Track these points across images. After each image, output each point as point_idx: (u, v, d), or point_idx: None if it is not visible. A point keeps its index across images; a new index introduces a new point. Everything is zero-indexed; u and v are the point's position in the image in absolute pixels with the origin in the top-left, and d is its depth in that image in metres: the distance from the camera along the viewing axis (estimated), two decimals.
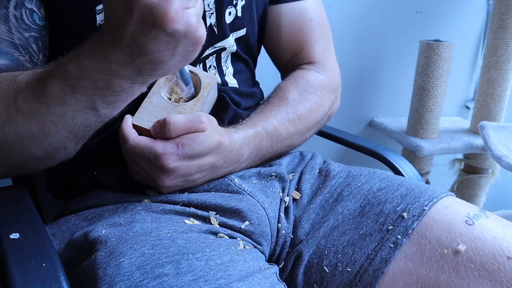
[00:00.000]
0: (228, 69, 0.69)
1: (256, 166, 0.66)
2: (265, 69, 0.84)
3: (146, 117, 0.56)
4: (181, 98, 0.61)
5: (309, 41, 0.75)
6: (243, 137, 0.61)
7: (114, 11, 0.41)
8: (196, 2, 0.42)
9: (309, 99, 0.71)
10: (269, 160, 0.68)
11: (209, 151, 0.56)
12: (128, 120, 0.55)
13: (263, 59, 0.83)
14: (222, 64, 0.69)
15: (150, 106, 0.57)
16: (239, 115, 0.69)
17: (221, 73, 0.70)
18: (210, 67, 0.68)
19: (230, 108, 0.67)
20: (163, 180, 0.55)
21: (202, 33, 0.43)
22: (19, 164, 0.53)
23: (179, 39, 0.42)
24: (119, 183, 0.61)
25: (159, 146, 0.53)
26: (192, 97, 0.60)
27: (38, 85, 0.47)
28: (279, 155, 0.70)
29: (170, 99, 0.60)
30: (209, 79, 0.61)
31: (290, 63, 0.77)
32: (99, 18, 0.58)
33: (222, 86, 0.69)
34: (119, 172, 0.61)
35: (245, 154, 0.62)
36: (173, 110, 0.57)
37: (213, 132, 0.56)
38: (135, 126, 0.56)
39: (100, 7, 0.58)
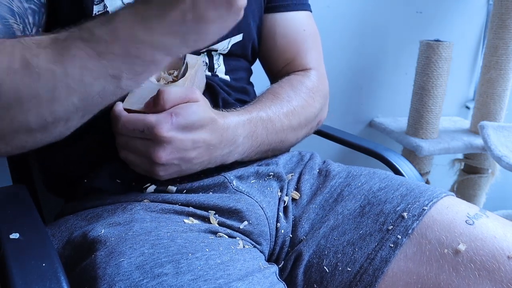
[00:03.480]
0: (220, 67, 0.69)
1: (254, 161, 0.66)
2: (262, 72, 0.84)
3: (137, 100, 0.55)
4: (169, 81, 0.61)
5: (302, 50, 0.77)
6: (237, 120, 0.60)
7: None
8: None
9: (302, 97, 0.71)
10: (264, 154, 0.67)
11: (202, 124, 0.54)
12: (119, 104, 0.54)
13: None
14: (214, 61, 0.69)
15: (140, 90, 0.56)
16: (230, 104, 0.68)
17: (211, 69, 0.69)
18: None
19: (219, 96, 0.67)
20: (159, 155, 0.52)
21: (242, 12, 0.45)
22: (5, 134, 0.45)
23: (233, 14, 0.43)
24: (113, 184, 0.60)
25: (152, 117, 0.52)
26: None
27: (55, 44, 0.43)
28: (274, 152, 0.69)
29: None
30: (195, 60, 0.61)
31: (282, 71, 0.78)
32: (97, 8, 0.57)
33: (212, 76, 0.69)
34: (110, 173, 0.60)
35: (240, 137, 0.60)
36: (159, 86, 0.56)
37: (206, 106, 0.55)
38: (126, 110, 0.55)
39: None
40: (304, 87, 0.73)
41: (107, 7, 0.57)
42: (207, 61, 0.68)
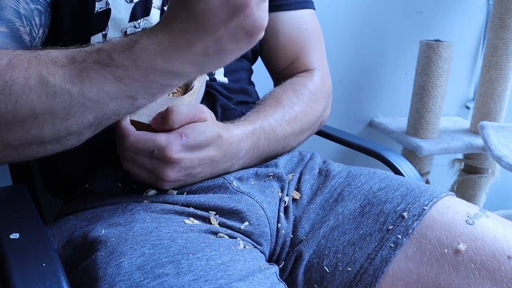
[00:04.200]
0: (219, 69, 0.69)
1: (252, 166, 0.66)
2: (264, 70, 0.84)
3: (144, 112, 0.55)
4: (174, 92, 0.60)
5: (305, 49, 0.77)
6: (241, 133, 0.61)
7: (209, 14, 0.41)
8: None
9: (305, 101, 0.72)
10: (264, 160, 0.68)
11: (210, 143, 0.55)
12: (125, 119, 0.54)
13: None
14: None
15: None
16: (230, 110, 0.68)
17: (210, 72, 0.69)
18: None
19: (217, 102, 0.67)
20: (167, 174, 0.54)
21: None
22: (17, 145, 0.47)
23: (252, 43, 0.44)
24: (113, 187, 0.60)
25: (162, 137, 0.52)
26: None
27: (72, 64, 0.44)
28: (275, 156, 0.70)
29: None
30: None
31: (285, 70, 0.78)
32: (99, 5, 0.57)
33: (210, 81, 0.69)
34: (111, 177, 0.60)
35: (243, 150, 0.61)
36: (171, 103, 0.56)
37: (213, 123, 0.56)
38: (133, 122, 0.54)
39: None
40: (307, 91, 0.73)
41: (109, 4, 0.57)
42: None
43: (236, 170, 0.64)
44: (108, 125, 0.49)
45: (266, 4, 0.43)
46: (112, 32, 0.62)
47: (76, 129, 0.46)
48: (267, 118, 0.66)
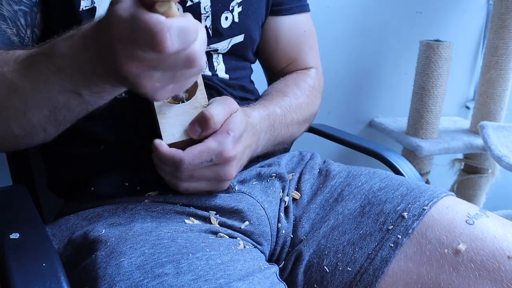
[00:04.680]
0: (220, 65, 0.70)
1: (256, 162, 0.66)
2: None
3: (174, 131, 0.53)
4: (181, 99, 0.60)
5: (304, 51, 0.79)
6: (259, 115, 0.62)
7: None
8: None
9: (307, 95, 0.74)
10: (276, 147, 0.69)
11: (246, 130, 0.56)
12: (162, 145, 0.52)
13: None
14: (214, 60, 0.68)
15: (168, 119, 0.54)
16: None
17: (212, 68, 0.69)
18: None
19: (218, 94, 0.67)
20: (230, 173, 0.54)
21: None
22: None
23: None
24: (118, 190, 0.60)
25: (213, 143, 0.52)
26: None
27: (26, 59, 0.47)
28: (282, 145, 0.71)
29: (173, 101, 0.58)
30: None
31: (283, 70, 0.80)
32: (84, 3, 0.57)
33: (212, 76, 0.69)
34: (119, 180, 0.60)
35: (262, 132, 0.62)
36: (190, 109, 0.55)
37: (241, 111, 0.56)
38: (172, 145, 0.52)
39: None
40: (307, 85, 0.75)
41: (94, 2, 0.57)
42: (206, 61, 0.67)
43: (258, 155, 0.65)
44: (71, 123, 0.51)
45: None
46: None
47: (37, 124, 0.49)
48: (277, 105, 0.67)
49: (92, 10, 0.57)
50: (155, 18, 0.37)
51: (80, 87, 0.46)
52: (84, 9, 0.57)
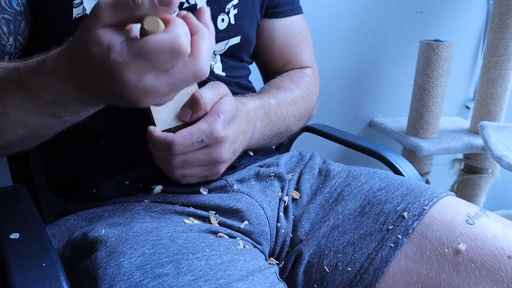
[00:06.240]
0: (217, 64, 0.70)
1: (254, 162, 0.66)
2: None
3: (166, 118, 0.54)
4: None
5: (299, 51, 0.81)
6: (253, 104, 0.63)
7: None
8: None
9: (303, 90, 0.75)
10: (272, 139, 0.69)
11: (237, 113, 0.56)
12: (155, 130, 0.52)
13: None
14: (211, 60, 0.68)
15: (160, 108, 0.54)
16: None
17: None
18: None
19: None
20: (222, 154, 0.54)
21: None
22: None
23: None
24: (120, 190, 0.60)
25: (203, 124, 0.52)
26: None
27: None
28: (279, 138, 0.71)
29: None
30: None
31: (279, 71, 0.81)
32: (76, 11, 0.57)
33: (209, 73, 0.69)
34: (119, 183, 0.60)
35: (258, 119, 0.62)
36: (181, 97, 0.55)
37: (231, 95, 0.57)
38: (165, 132, 0.53)
39: (78, 0, 0.56)
40: (303, 81, 0.77)
41: (86, 10, 0.57)
42: None
43: (239, 169, 0.64)
44: (50, 137, 0.50)
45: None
46: None
47: (14, 140, 0.49)
48: (272, 96, 0.68)
49: (84, 18, 0.57)
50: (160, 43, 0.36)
51: (58, 111, 0.45)
52: (76, 17, 0.57)
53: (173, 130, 0.53)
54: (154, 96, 0.39)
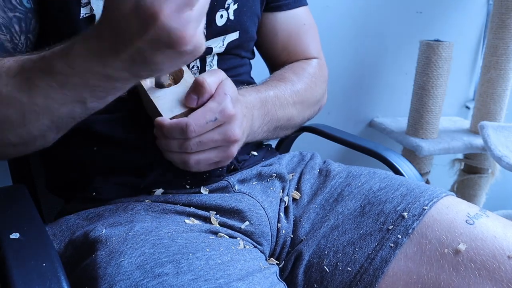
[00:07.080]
0: (214, 67, 0.69)
1: (257, 162, 0.66)
2: (263, 68, 0.84)
3: (171, 106, 0.54)
4: (169, 83, 0.60)
5: (304, 43, 0.80)
6: (248, 93, 0.63)
7: (124, 23, 0.40)
8: (203, 19, 0.43)
9: (305, 81, 0.74)
10: (274, 132, 0.69)
11: (238, 96, 0.56)
12: (165, 120, 0.53)
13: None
14: (207, 63, 0.68)
15: (162, 99, 0.55)
16: None
17: (204, 71, 0.69)
18: (193, 67, 0.67)
19: None
20: (236, 132, 0.54)
21: (203, 47, 0.44)
22: None
23: (185, 55, 0.42)
24: (120, 192, 0.60)
25: (213, 103, 0.53)
26: None
27: (21, 73, 0.47)
28: (282, 131, 0.71)
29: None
30: None
31: (285, 63, 0.79)
32: (84, 11, 0.57)
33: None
34: (119, 186, 0.60)
35: (255, 109, 0.62)
36: (181, 88, 0.56)
37: None
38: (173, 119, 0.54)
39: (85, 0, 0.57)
40: (306, 73, 0.75)
41: (93, 10, 0.56)
42: (199, 65, 0.67)
43: (241, 169, 0.64)
44: (71, 127, 0.51)
45: (192, 15, 0.40)
46: None
47: (37, 133, 0.49)
48: (271, 88, 0.67)
49: (92, 17, 0.57)
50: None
51: (85, 96, 0.46)
52: (84, 16, 0.57)
53: (180, 117, 0.53)
54: (190, 26, 0.40)
